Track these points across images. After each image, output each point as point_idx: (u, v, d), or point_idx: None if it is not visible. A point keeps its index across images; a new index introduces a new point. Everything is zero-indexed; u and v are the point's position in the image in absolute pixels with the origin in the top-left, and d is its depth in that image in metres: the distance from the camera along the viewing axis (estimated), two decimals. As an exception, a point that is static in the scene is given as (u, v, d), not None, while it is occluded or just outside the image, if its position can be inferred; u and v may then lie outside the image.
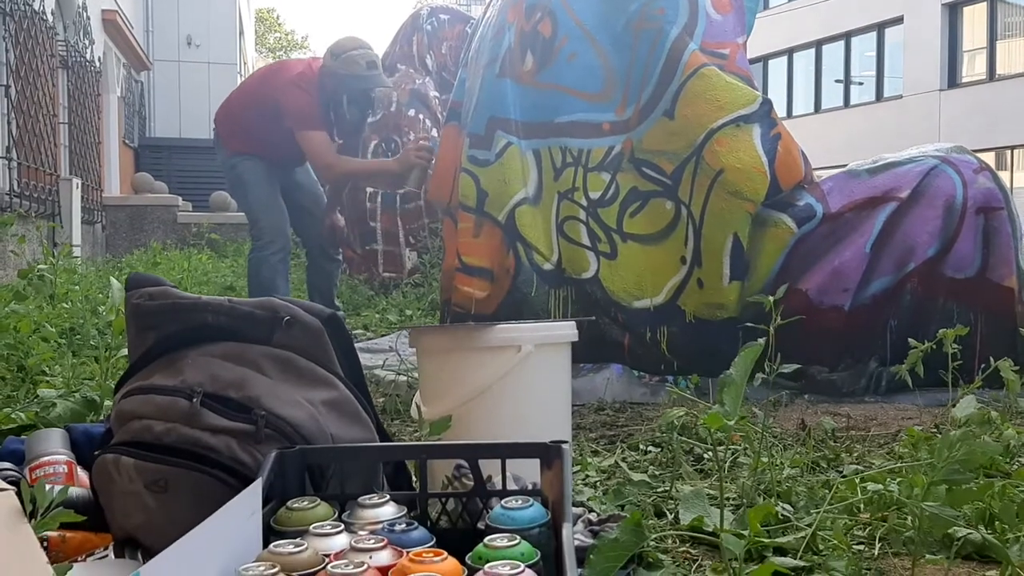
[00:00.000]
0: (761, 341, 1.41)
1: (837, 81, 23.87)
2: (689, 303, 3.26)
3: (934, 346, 2.71)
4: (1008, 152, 19.72)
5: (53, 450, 1.62)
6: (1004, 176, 19.77)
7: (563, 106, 3.42)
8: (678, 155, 3.22)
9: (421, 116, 6.59)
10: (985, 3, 20.16)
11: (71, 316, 3.87)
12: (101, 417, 2.20)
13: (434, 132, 6.69)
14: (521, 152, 3.48)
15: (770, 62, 24.97)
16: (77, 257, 6.93)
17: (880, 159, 3.37)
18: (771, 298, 2.28)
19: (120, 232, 11.96)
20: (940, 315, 3.21)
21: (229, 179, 4.32)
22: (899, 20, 21.80)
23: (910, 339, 2.77)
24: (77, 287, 4.52)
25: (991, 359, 2.90)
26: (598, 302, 3.38)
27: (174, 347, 1.32)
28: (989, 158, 20.28)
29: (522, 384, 1.66)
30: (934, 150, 3.35)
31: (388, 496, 1.16)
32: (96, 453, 1.35)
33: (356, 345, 4.56)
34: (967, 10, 20.67)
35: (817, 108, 24.07)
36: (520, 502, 1.11)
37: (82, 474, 1.61)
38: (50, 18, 9.71)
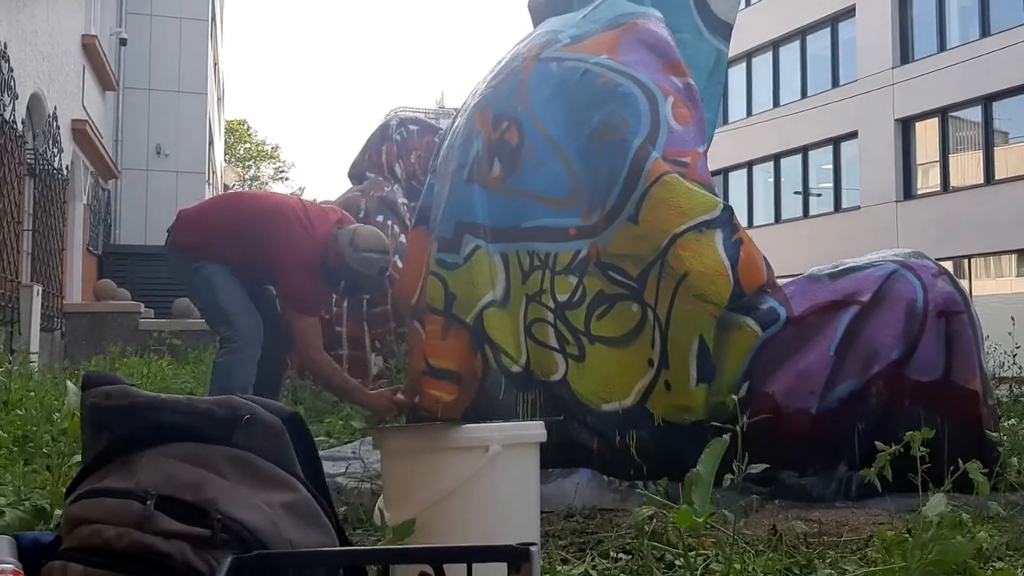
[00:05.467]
0: (726, 437, 1.40)
1: (796, 193, 24.50)
2: (658, 406, 3.24)
3: (902, 450, 2.71)
4: (965, 261, 20.18)
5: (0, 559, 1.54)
6: (963, 284, 20.22)
7: (530, 211, 3.46)
8: (643, 259, 3.25)
9: (390, 222, 6.64)
10: (936, 119, 20.96)
11: (24, 423, 3.76)
12: (52, 526, 2.11)
13: (402, 238, 6.74)
14: (489, 255, 3.51)
15: (730, 174, 25.63)
16: (34, 363, 6.79)
17: (840, 264, 3.42)
18: (734, 396, 2.26)
19: (79, 339, 11.80)
20: (906, 419, 3.20)
21: (191, 282, 4.05)
22: (854, 135, 22.57)
23: (877, 443, 2.77)
24: (32, 393, 4.41)
25: (959, 462, 2.91)
26: (567, 405, 3.35)
27: (129, 448, 1.27)
28: (947, 267, 20.72)
29: (490, 486, 1.62)
30: (893, 255, 3.41)
31: (348, 603, 1.11)
32: (44, 561, 1.29)
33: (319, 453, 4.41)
34: (919, 125, 21.47)
35: (777, 219, 24.64)
36: (487, 607, 1.07)
37: (28, 585, 1.53)
38: (20, 127, 9.79)
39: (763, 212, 25.22)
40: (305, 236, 4.00)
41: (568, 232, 3.41)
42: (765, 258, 3.35)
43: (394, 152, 7.03)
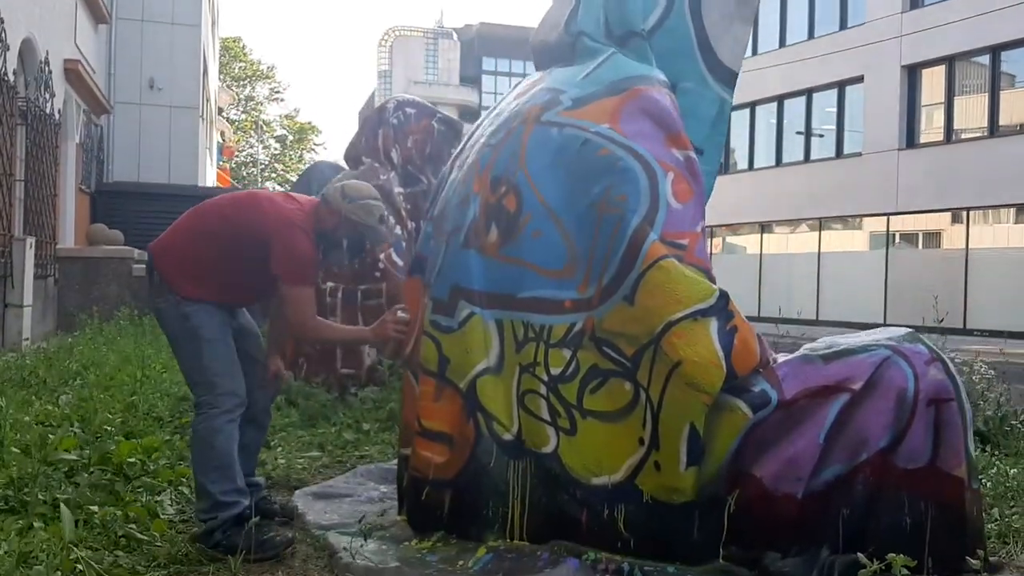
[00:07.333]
0: None
1: (798, 133, 24.22)
2: (647, 484, 3.28)
3: (883, 567, 2.77)
4: (964, 212, 20.13)
5: None
6: (960, 234, 20.21)
7: (526, 281, 3.44)
8: (638, 339, 3.25)
9: (385, 213, 6.57)
10: (943, 66, 20.64)
11: (19, 464, 3.78)
12: None
13: (398, 229, 6.69)
14: (484, 322, 3.51)
15: (733, 114, 25.27)
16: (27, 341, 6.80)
17: (834, 345, 3.42)
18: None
19: (72, 285, 11.80)
20: (891, 504, 3.25)
21: (177, 328, 3.62)
22: (859, 79, 22.23)
23: (859, 556, 2.84)
24: (27, 419, 4.43)
25: (939, 546, 2.99)
26: (557, 478, 3.39)
27: None
28: (946, 218, 20.71)
29: None
30: (886, 339, 3.40)
31: None
32: None
33: (310, 490, 4.37)
34: (926, 72, 21.15)
35: (778, 161, 24.40)
36: None
37: None
38: (11, 77, 9.61)
39: (764, 154, 24.96)
40: (289, 202, 3.75)
41: (563, 305, 3.40)
42: (760, 337, 3.34)
43: (391, 136, 6.93)
